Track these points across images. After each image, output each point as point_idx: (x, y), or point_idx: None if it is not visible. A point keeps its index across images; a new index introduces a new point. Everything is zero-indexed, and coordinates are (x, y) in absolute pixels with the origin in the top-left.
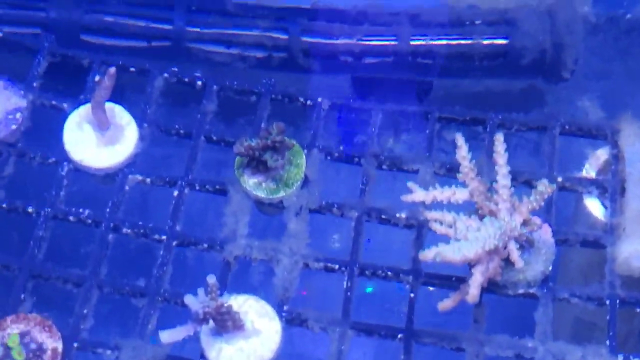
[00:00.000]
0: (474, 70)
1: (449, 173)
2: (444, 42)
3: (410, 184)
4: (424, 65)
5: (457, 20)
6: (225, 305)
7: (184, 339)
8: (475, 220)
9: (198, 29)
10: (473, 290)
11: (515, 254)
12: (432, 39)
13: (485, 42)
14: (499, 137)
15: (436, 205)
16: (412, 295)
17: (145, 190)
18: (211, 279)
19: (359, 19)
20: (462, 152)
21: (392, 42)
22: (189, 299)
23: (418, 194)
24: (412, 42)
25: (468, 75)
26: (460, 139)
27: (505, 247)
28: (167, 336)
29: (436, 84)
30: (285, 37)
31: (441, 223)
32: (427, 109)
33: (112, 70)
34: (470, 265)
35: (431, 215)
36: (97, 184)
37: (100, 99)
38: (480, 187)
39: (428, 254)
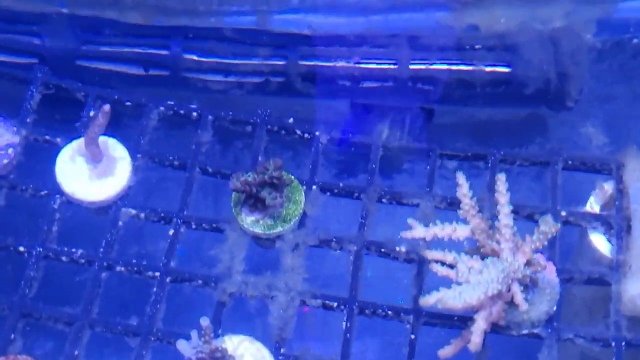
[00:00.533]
0: (476, 97)
1: (450, 207)
2: (444, 67)
3: (410, 221)
4: (425, 91)
5: (457, 45)
6: (220, 349)
7: None
8: (478, 260)
9: (195, 57)
10: (476, 338)
11: (519, 297)
12: (432, 64)
13: (488, 69)
14: (501, 177)
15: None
16: (412, 336)
17: (139, 224)
18: (205, 322)
19: (357, 43)
20: (463, 190)
21: (392, 66)
22: (181, 345)
23: (418, 231)
24: (411, 67)
25: (470, 103)
26: (461, 177)
27: (508, 290)
28: None
29: (438, 111)
30: (283, 62)
31: (442, 263)
32: (429, 146)
33: (107, 107)
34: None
35: (432, 255)
36: (90, 217)
37: (93, 134)
38: (482, 225)
39: (429, 300)
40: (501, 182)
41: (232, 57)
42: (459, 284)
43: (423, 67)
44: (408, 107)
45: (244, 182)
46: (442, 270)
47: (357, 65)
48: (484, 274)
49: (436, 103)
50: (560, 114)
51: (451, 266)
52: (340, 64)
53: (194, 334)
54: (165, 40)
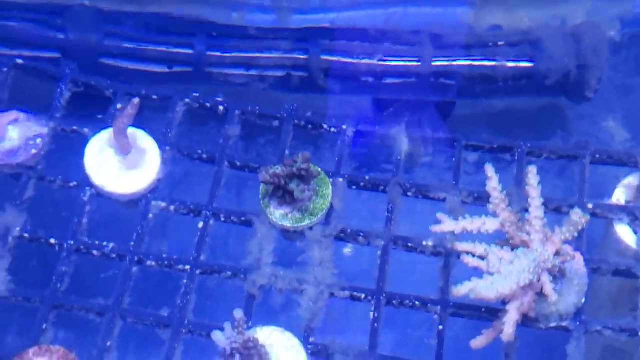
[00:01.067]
0: (497, 90)
1: (477, 201)
2: (466, 62)
3: (439, 215)
4: (446, 86)
5: (480, 41)
6: (252, 339)
7: None
8: (508, 251)
9: (219, 53)
10: (508, 329)
11: (549, 287)
12: (454, 60)
13: (510, 64)
14: (532, 170)
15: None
16: (440, 327)
17: (168, 216)
18: (238, 314)
19: (379, 37)
20: (493, 183)
21: (414, 63)
22: (216, 336)
23: (447, 225)
24: (434, 63)
25: (490, 96)
26: (490, 170)
27: (538, 280)
28: None
29: (458, 104)
30: (305, 56)
31: (473, 255)
32: (454, 137)
33: (136, 100)
34: (503, 300)
35: (462, 247)
36: (119, 209)
37: (122, 125)
38: (512, 218)
39: (461, 290)
40: (532, 174)
41: (254, 50)
42: (491, 274)
43: (445, 63)
44: (428, 100)
45: (273, 175)
46: (473, 261)
47: (378, 61)
48: (515, 265)
49: (456, 96)
50: (580, 106)
51: (481, 258)
52: (363, 60)
53: (227, 325)
54: (189, 37)
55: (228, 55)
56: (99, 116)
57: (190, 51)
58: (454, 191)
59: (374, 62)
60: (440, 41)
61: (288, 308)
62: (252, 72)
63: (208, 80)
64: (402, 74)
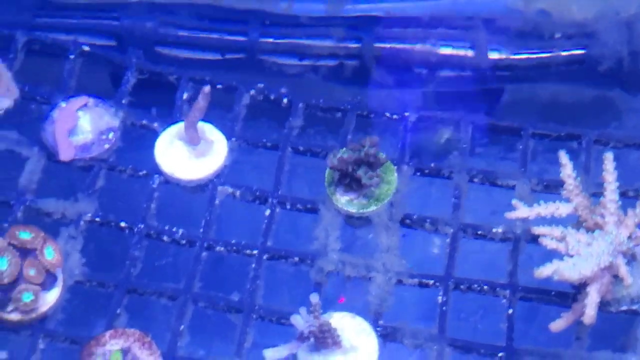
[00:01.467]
0: (550, 79)
1: (546, 190)
2: (523, 56)
3: (515, 202)
4: (500, 74)
5: (534, 30)
6: (327, 323)
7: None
8: (585, 234)
9: (271, 40)
10: (590, 311)
11: (624, 270)
12: (508, 49)
13: (564, 53)
14: (609, 156)
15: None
16: (510, 311)
17: (235, 203)
18: (314, 298)
19: (432, 25)
20: (568, 170)
21: (467, 51)
22: (295, 319)
23: (522, 211)
24: (488, 52)
25: (543, 85)
26: (564, 157)
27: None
28: (272, 354)
29: (511, 92)
30: (357, 45)
31: (551, 238)
32: (520, 125)
33: (207, 89)
34: (579, 283)
35: (540, 230)
36: (187, 195)
37: (194, 118)
38: (585, 202)
39: (545, 271)
40: (609, 161)
41: (306, 37)
42: (570, 256)
43: (499, 53)
44: (482, 88)
45: (341, 160)
46: (552, 244)
47: (432, 50)
48: (594, 247)
49: (509, 85)
50: (636, 98)
51: (560, 241)
52: (416, 46)
53: (303, 310)
54: (243, 25)
55: (281, 41)
56: (165, 104)
57: (243, 38)
58: (523, 179)
59: (427, 48)
60: (494, 29)
61: (355, 294)
62: (306, 62)
63: (260, 71)
64: (456, 62)
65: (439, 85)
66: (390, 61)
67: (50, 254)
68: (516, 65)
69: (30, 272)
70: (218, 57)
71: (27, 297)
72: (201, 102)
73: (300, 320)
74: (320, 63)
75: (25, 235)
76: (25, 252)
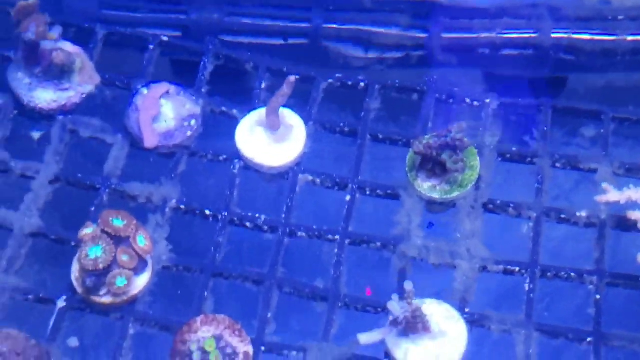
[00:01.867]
0: (615, 64)
1: (629, 173)
2: (586, 37)
3: (605, 185)
4: (563, 60)
5: (599, 15)
6: (419, 309)
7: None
8: None
9: (335, 25)
10: None
11: None
12: (573, 33)
13: (630, 38)
14: None
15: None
16: (597, 297)
17: (315, 189)
18: (408, 285)
19: (497, 13)
20: None
21: (533, 35)
22: (392, 306)
23: (613, 195)
24: (553, 36)
25: (608, 70)
26: None
27: None
28: (365, 339)
29: (576, 77)
30: (424, 35)
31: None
32: (600, 108)
33: (292, 78)
34: None
35: (635, 215)
36: (268, 182)
37: (277, 104)
38: None
39: None
40: None
41: (371, 24)
42: None
43: (564, 36)
44: (547, 74)
45: (426, 146)
46: None
47: (498, 36)
48: None
49: (574, 70)
50: None
51: None
52: (481, 34)
53: (395, 297)
54: (307, 12)
55: (345, 27)
56: (243, 92)
57: (307, 25)
58: (606, 162)
59: (493, 35)
60: (559, 14)
61: (439, 281)
62: (371, 54)
63: (325, 62)
64: (521, 46)
65: (510, 70)
66: (456, 49)
67: (141, 241)
68: (585, 49)
69: (124, 258)
70: (281, 42)
71: (120, 282)
72: (285, 89)
73: (396, 307)
74: (387, 55)
75: (118, 223)
76: (118, 238)
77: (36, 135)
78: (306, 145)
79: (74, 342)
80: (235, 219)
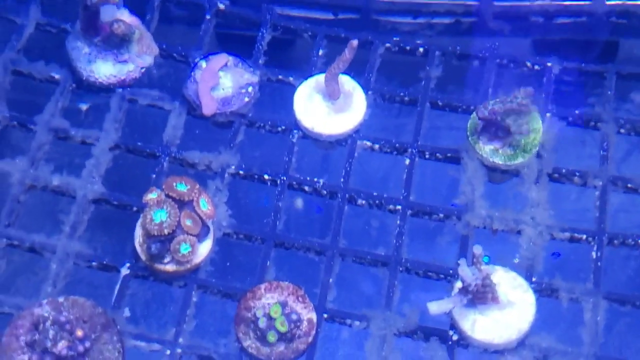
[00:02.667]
0: None
1: None
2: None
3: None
4: (617, 25)
5: None
6: (489, 275)
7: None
8: None
9: None
10: None
11: None
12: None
13: None
14: None
15: None
16: None
17: (374, 155)
18: (478, 250)
19: None
20: None
21: (586, 3)
22: (463, 271)
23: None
24: (607, 2)
25: None
26: None
27: None
28: (436, 308)
29: (627, 43)
30: (475, 2)
31: None
32: None
33: (354, 42)
34: None
35: None
36: (326, 149)
37: (337, 70)
38: None
39: None
40: None
41: None
42: None
43: (619, 2)
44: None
45: (492, 111)
46: None
47: (551, 3)
48: None
49: (627, 36)
50: None
51: None
52: (535, 2)
53: (462, 261)
54: None
55: (396, 0)
56: (299, 60)
57: None
58: None
59: (547, 3)
60: None
61: (504, 250)
62: (420, 20)
63: (375, 29)
64: (575, 14)
65: (552, 33)
66: (508, 16)
67: (204, 204)
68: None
69: (188, 223)
70: (331, 16)
71: (184, 249)
72: (347, 54)
73: (468, 272)
74: (435, 20)
75: (181, 187)
76: (181, 203)
77: (84, 107)
78: (365, 114)
79: (127, 312)
80: (294, 183)
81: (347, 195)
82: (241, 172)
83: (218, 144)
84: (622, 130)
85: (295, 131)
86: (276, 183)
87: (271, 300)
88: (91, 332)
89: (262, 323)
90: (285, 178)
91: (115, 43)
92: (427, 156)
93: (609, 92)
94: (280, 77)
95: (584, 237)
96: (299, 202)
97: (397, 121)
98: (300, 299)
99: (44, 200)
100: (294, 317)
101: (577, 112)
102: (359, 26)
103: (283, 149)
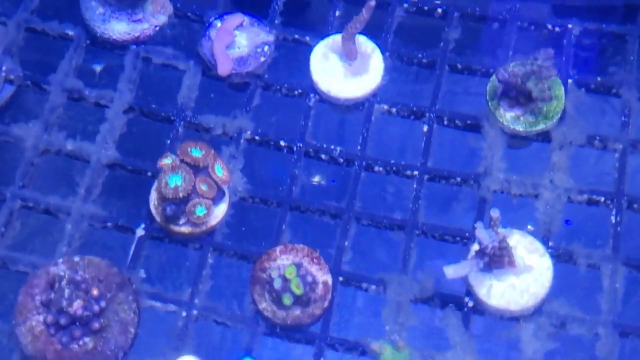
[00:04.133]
0: None
1: None
2: None
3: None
4: None
5: None
6: (505, 238)
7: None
8: None
9: None
10: None
11: None
12: None
13: None
14: None
15: None
16: None
17: (391, 119)
18: (495, 213)
19: None
20: None
21: None
22: (480, 233)
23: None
24: None
25: None
26: None
27: None
28: (453, 271)
29: None
30: None
31: None
32: None
33: (372, 2)
34: None
35: None
36: (343, 113)
37: (354, 30)
38: None
39: None
40: None
41: None
42: None
43: None
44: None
45: (512, 73)
46: None
47: None
48: None
49: None
50: None
51: None
52: None
53: (479, 224)
54: None
55: None
56: (316, 21)
57: None
58: None
59: None
60: None
61: (522, 213)
62: None
63: None
64: None
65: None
66: None
67: (219, 170)
68: None
69: (203, 187)
70: None
71: (200, 211)
72: (364, 14)
73: (484, 234)
74: None
75: (196, 153)
76: (196, 168)
77: (97, 68)
78: (383, 77)
79: (142, 273)
80: (311, 150)
81: (364, 163)
82: (257, 137)
83: (234, 108)
84: None
85: (311, 95)
86: (292, 150)
87: (286, 262)
88: (107, 291)
89: (277, 284)
90: (301, 145)
91: (130, 2)
92: (445, 122)
93: (632, 58)
94: (296, 36)
95: (602, 199)
96: (316, 179)
97: (415, 85)
98: (315, 260)
99: (58, 163)
100: (309, 279)
101: (599, 79)
102: None
103: (299, 113)
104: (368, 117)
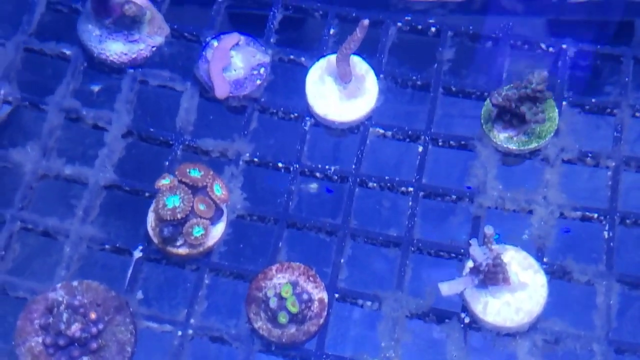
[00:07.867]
0: None
1: None
2: None
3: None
4: (630, 4)
5: None
6: (500, 254)
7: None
8: None
9: None
10: None
11: None
12: None
13: None
14: None
15: None
16: None
17: (386, 142)
18: (489, 230)
19: None
20: None
21: None
22: (474, 250)
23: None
24: None
25: None
26: None
27: None
28: (447, 288)
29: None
30: None
31: None
32: None
33: (365, 22)
34: None
35: None
36: (338, 136)
37: (348, 50)
38: None
39: None
40: None
41: None
42: None
43: None
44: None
45: (506, 97)
46: None
47: None
48: None
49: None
50: None
51: None
52: None
53: (474, 241)
54: None
55: None
56: (311, 40)
57: None
58: None
59: None
60: None
61: (515, 230)
62: None
63: (385, 8)
64: None
65: (567, 14)
66: None
67: (218, 189)
68: None
69: (201, 207)
70: None
71: (197, 232)
72: (358, 33)
73: (479, 251)
74: None
75: (195, 173)
76: (195, 188)
77: (95, 88)
78: (377, 99)
79: (140, 295)
80: (306, 170)
81: (358, 180)
82: (255, 159)
83: (232, 131)
84: (637, 114)
85: (307, 118)
86: (289, 170)
87: (282, 280)
88: (104, 314)
89: (273, 303)
90: (297, 166)
91: (127, 24)
92: (440, 144)
93: (627, 79)
94: (292, 57)
95: (596, 215)
96: (314, 186)
97: (409, 107)
98: (311, 278)
99: (56, 186)
100: (305, 296)
101: (593, 100)
102: (370, 5)
103: (296, 136)
104: (363, 140)
